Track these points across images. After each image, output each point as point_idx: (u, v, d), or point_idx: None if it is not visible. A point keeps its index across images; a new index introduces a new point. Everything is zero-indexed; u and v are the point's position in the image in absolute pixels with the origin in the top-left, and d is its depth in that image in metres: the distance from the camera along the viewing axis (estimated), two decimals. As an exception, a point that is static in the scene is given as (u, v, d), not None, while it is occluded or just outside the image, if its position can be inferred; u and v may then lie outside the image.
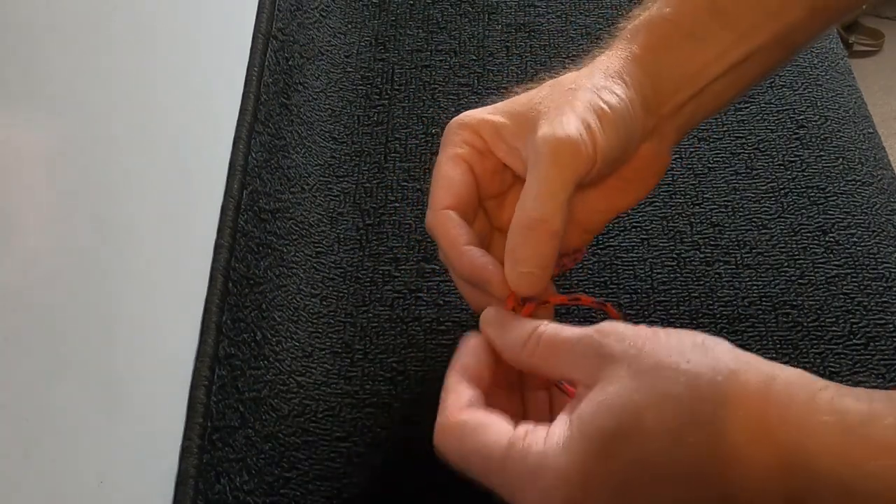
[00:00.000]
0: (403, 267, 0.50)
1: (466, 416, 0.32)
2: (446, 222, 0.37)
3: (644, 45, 0.37)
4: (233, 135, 0.48)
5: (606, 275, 0.49)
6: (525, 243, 0.33)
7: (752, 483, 0.27)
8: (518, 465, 0.29)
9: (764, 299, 0.48)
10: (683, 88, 0.37)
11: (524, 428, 0.30)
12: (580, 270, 0.49)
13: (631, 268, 0.49)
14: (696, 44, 0.36)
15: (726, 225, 0.51)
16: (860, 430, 0.25)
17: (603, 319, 0.31)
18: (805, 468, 0.26)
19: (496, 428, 0.30)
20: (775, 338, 0.47)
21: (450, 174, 0.37)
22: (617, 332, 0.30)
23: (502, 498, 0.30)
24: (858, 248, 0.50)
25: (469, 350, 0.35)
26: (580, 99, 0.35)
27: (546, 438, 0.29)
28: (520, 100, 0.37)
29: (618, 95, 0.35)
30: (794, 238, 0.50)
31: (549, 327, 0.32)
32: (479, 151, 0.38)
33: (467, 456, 0.31)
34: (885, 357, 0.46)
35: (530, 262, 0.34)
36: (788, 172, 0.53)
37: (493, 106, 0.38)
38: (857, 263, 0.49)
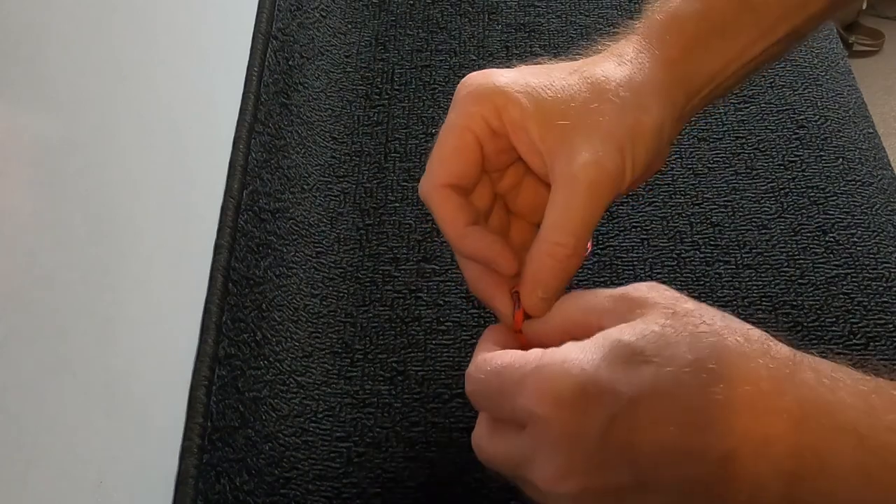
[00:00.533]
0: (403, 267, 0.50)
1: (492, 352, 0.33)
2: (446, 203, 0.35)
3: (678, 46, 0.35)
4: (233, 135, 0.48)
5: (606, 275, 0.49)
6: (551, 273, 0.33)
7: (758, 439, 0.27)
8: (536, 370, 0.29)
9: (764, 299, 0.48)
10: (707, 86, 0.37)
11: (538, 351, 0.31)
12: (580, 270, 0.49)
13: (631, 268, 0.49)
14: (724, 42, 0.36)
15: (726, 225, 0.51)
16: (887, 388, 0.26)
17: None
18: (823, 420, 0.26)
19: (517, 353, 0.31)
20: (775, 338, 0.47)
21: (457, 147, 0.35)
22: (656, 286, 0.31)
23: (518, 413, 0.30)
24: (858, 248, 0.50)
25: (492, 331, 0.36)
26: (623, 123, 0.33)
27: (566, 348, 0.29)
28: (554, 88, 0.34)
29: (655, 118, 0.34)
30: (794, 238, 0.50)
31: (585, 292, 0.33)
32: (493, 130, 0.35)
33: (489, 379, 0.31)
34: (885, 357, 0.46)
35: (550, 290, 0.34)
36: (788, 172, 0.53)
37: (521, 77, 0.35)
38: (857, 263, 0.49)
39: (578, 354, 0.28)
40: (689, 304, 0.30)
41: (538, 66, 0.36)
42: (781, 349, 0.29)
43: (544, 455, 0.29)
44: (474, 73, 0.35)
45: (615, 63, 0.35)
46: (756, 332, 0.29)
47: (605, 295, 0.31)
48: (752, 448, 0.27)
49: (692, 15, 0.36)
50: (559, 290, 0.34)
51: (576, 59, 0.37)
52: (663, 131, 0.35)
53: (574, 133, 0.33)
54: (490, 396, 0.31)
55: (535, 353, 0.30)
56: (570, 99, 0.34)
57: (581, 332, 0.30)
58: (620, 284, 0.48)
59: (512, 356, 0.31)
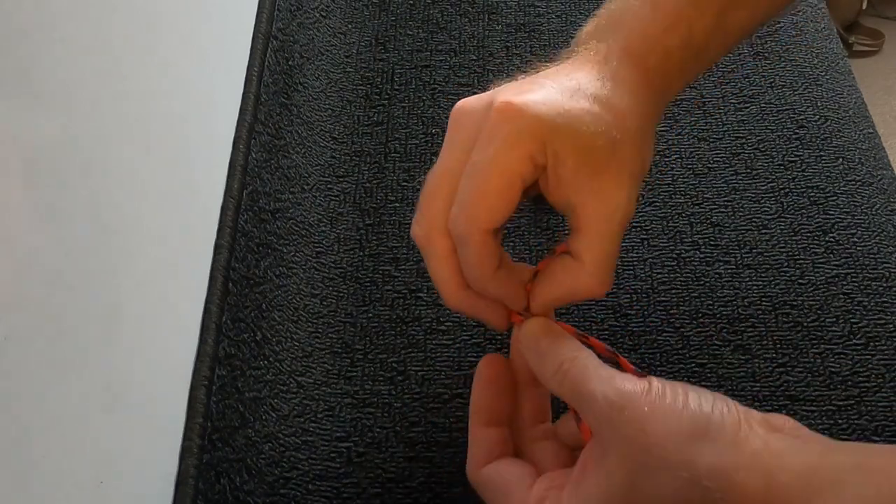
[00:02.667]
0: (403, 267, 0.50)
1: (488, 472, 0.34)
2: (484, 248, 0.33)
3: (659, 71, 0.35)
4: (233, 135, 0.48)
5: (606, 275, 0.49)
6: (571, 299, 0.35)
7: None
8: None
9: (764, 299, 0.48)
10: (678, 91, 0.37)
11: (542, 488, 0.32)
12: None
13: (631, 268, 0.49)
14: (696, 64, 0.36)
15: (726, 225, 0.51)
16: None
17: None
18: None
19: (514, 488, 0.32)
20: (775, 338, 0.47)
21: (503, 191, 0.32)
22: (627, 402, 0.29)
23: None
24: (858, 248, 0.50)
25: (482, 389, 0.36)
26: (635, 159, 0.33)
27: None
28: (583, 114, 0.32)
29: (652, 147, 0.35)
30: (794, 238, 0.50)
31: (576, 366, 0.32)
32: (537, 168, 0.32)
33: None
34: (885, 357, 0.46)
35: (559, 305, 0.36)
36: (788, 172, 0.53)
37: (554, 98, 0.32)
38: (857, 263, 0.49)
39: None
40: (652, 441, 0.28)
41: (560, 78, 0.34)
42: (748, 485, 0.27)
43: None
44: (509, 99, 0.32)
45: (622, 90, 0.34)
46: (719, 469, 0.27)
47: (585, 393, 0.31)
48: None
49: (678, 44, 0.35)
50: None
51: (560, 63, 0.36)
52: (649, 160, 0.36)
53: (605, 170, 0.32)
54: None
55: (534, 499, 0.31)
56: (600, 130, 0.32)
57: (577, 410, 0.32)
58: (620, 284, 0.48)
59: (511, 493, 0.32)
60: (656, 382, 0.30)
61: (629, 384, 0.30)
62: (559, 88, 0.33)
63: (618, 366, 0.33)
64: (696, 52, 0.36)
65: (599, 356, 0.33)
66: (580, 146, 0.31)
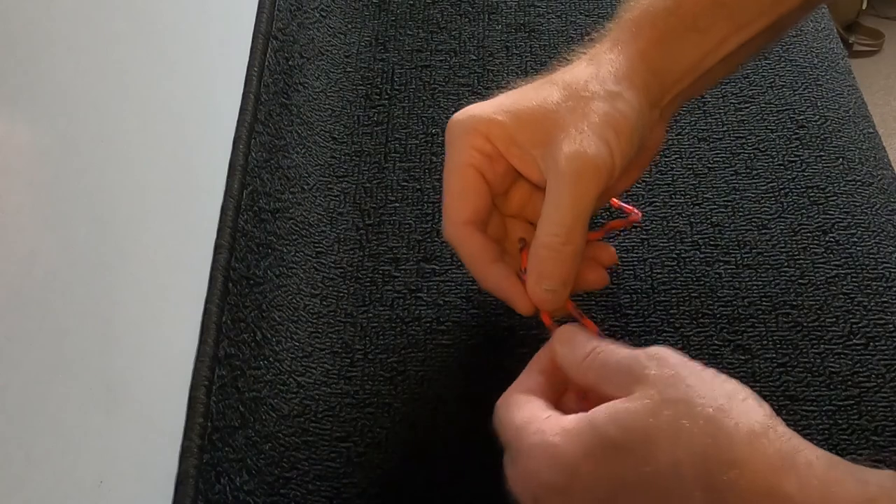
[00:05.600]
0: (403, 267, 0.50)
1: (517, 394, 0.34)
2: (469, 240, 0.37)
3: (649, 39, 0.37)
4: (233, 135, 0.48)
5: (606, 275, 0.49)
6: (549, 263, 0.35)
7: None
8: (526, 437, 0.31)
9: (764, 299, 0.48)
10: (684, 78, 0.37)
11: (550, 412, 0.32)
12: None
13: (631, 268, 0.49)
14: (698, 35, 0.36)
15: (726, 225, 0.51)
16: (882, 500, 0.25)
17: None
18: None
19: (530, 406, 0.32)
20: (775, 338, 0.47)
21: (464, 185, 0.37)
22: (661, 358, 0.30)
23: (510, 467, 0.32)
24: (858, 248, 0.50)
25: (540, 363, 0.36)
26: (597, 111, 0.34)
27: (559, 424, 0.30)
28: (530, 99, 0.36)
29: (630, 103, 0.35)
30: (794, 238, 0.50)
31: (608, 348, 0.32)
32: (489, 157, 0.37)
33: (502, 425, 0.33)
34: (885, 357, 0.46)
35: (554, 280, 0.35)
36: (788, 172, 0.53)
37: (497, 102, 0.37)
38: (857, 263, 0.49)
39: (566, 444, 0.29)
40: (686, 384, 0.29)
41: (511, 90, 0.38)
42: (770, 454, 0.27)
43: None
44: (456, 115, 0.37)
45: (585, 64, 0.37)
46: (744, 430, 0.27)
47: (614, 361, 0.32)
48: None
49: (662, 10, 0.37)
50: (564, 281, 0.35)
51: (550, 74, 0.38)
52: (641, 118, 0.36)
53: (556, 131, 0.34)
54: (501, 436, 0.34)
55: (537, 418, 0.31)
56: (546, 104, 0.35)
57: (596, 392, 0.32)
58: (620, 284, 0.48)
59: (521, 419, 0.32)
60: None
61: (666, 349, 0.31)
62: (509, 92, 0.37)
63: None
64: (688, 21, 0.36)
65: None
66: (524, 123, 0.35)
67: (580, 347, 0.33)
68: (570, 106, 0.35)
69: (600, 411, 0.29)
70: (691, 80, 0.37)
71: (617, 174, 0.35)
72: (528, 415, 0.32)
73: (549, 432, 0.30)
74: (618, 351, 0.32)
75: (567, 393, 0.36)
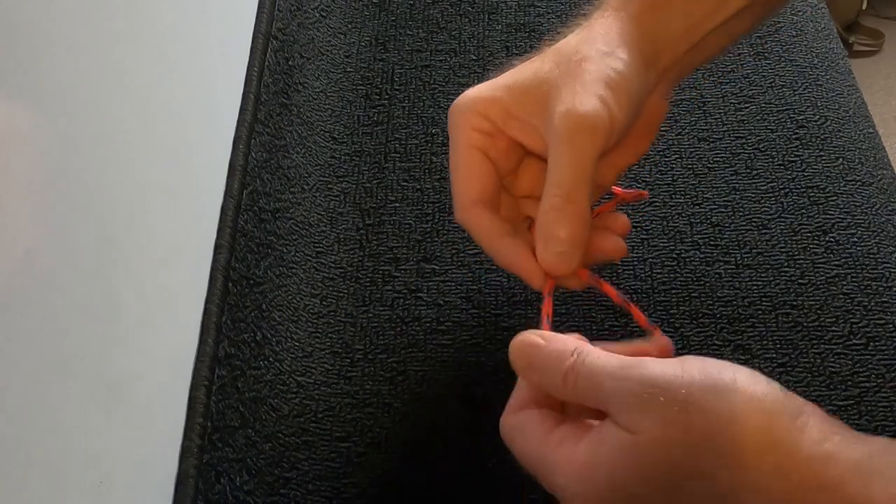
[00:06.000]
0: (403, 267, 0.50)
1: (516, 417, 0.32)
2: (479, 218, 0.37)
3: (641, 4, 0.37)
4: (233, 135, 0.48)
5: (606, 275, 0.49)
6: (555, 224, 0.34)
7: None
8: (542, 467, 0.30)
9: (764, 299, 0.48)
10: (681, 43, 0.37)
11: (560, 435, 0.30)
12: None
13: (631, 268, 0.49)
14: (690, 2, 0.37)
15: (726, 225, 0.51)
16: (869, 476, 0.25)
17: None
18: None
19: (535, 429, 0.31)
20: (775, 338, 0.47)
21: (469, 167, 0.37)
22: (660, 382, 0.28)
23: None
24: (858, 248, 0.50)
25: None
26: (589, 71, 0.34)
27: (571, 454, 0.29)
28: (523, 73, 0.37)
29: (623, 60, 0.35)
30: (794, 238, 0.50)
31: (586, 361, 0.30)
32: (490, 135, 0.37)
33: (521, 457, 0.32)
34: (885, 357, 0.46)
35: (563, 242, 0.34)
36: (788, 172, 0.53)
37: (493, 82, 0.37)
38: (857, 263, 0.49)
39: (576, 483, 0.28)
40: (687, 416, 0.27)
41: (507, 69, 0.38)
42: (778, 448, 0.26)
43: None
44: (455, 100, 0.38)
45: (576, 32, 0.37)
46: (754, 430, 0.26)
47: (607, 383, 0.29)
48: None
49: None
50: (573, 242, 0.34)
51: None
52: (637, 75, 0.35)
53: (550, 97, 0.35)
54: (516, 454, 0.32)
55: (549, 450, 0.30)
56: (539, 74, 0.36)
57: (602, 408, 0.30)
58: (620, 284, 0.48)
59: (531, 435, 0.31)
60: (689, 362, 0.29)
61: (657, 367, 0.28)
62: (501, 72, 0.37)
63: (630, 316, 0.34)
64: None
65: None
66: (519, 96, 0.36)
67: (552, 367, 0.31)
68: (562, 71, 0.35)
69: (605, 458, 0.28)
70: (686, 48, 0.37)
71: (617, 133, 0.34)
72: (533, 449, 0.30)
73: (566, 477, 0.29)
74: (600, 365, 0.30)
75: None
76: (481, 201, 0.37)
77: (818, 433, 0.26)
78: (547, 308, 0.35)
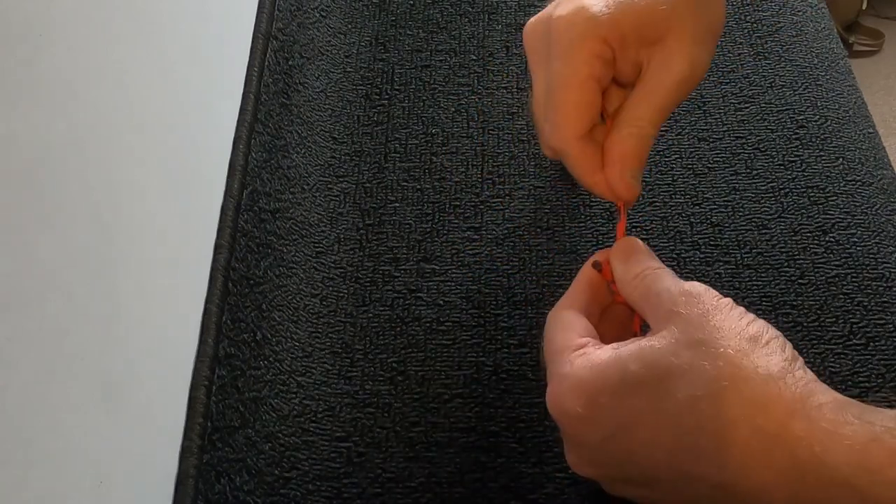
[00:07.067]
0: (403, 267, 0.50)
1: (562, 311, 0.36)
2: (584, 152, 0.36)
3: None
4: (233, 135, 0.48)
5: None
6: (633, 149, 0.35)
7: (753, 485, 0.27)
8: (559, 365, 0.33)
9: (764, 299, 0.48)
10: None
11: (586, 340, 0.33)
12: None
13: (631, 268, 0.49)
14: None
15: (726, 225, 0.51)
16: (886, 438, 0.25)
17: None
18: (818, 477, 0.26)
19: (570, 332, 0.34)
20: (775, 338, 0.47)
21: (584, 98, 0.34)
22: (693, 295, 0.31)
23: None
24: (858, 248, 0.50)
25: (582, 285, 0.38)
26: (700, 22, 0.34)
27: (589, 359, 0.32)
28: (634, 2, 0.34)
29: (720, 13, 0.36)
30: (794, 238, 0.50)
31: (655, 273, 0.34)
32: (608, 63, 0.35)
33: (546, 344, 0.35)
34: (885, 357, 0.46)
35: (636, 167, 0.36)
36: (788, 172, 0.53)
37: None
38: (857, 263, 0.49)
39: (590, 377, 0.31)
40: (711, 324, 0.30)
41: None
42: (785, 397, 0.27)
43: (564, 442, 0.35)
44: (563, 13, 0.34)
45: None
46: (762, 373, 0.28)
47: (654, 291, 0.33)
48: (749, 486, 0.27)
49: None
50: (641, 171, 0.36)
51: None
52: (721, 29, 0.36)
53: (668, 35, 0.34)
54: (546, 353, 0.35)
55: (572, 348, 0.33)
56: (650, 5, 0.34)
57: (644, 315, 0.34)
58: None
59: (560, 345, 0.34)
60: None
61: (701, 286, 0.32)
62: None
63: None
64: None
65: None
66: (638, 27, 0.34)
67: (634, 265, 0.35)
68: (681, 11, 0.34)
69: (627, 348, 0.31)
70: None
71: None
72: (566, 342, 0.33)
73: (579, 365, 0.32)
74: (662, 279, 0.33)
75: (611, 307, 0.37)
76: (585, 133, 0.36)
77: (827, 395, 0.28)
78: (623, 224, 0.39)
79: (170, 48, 0.43)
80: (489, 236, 0.51)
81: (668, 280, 0.33)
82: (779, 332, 0.30)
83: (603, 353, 0.32)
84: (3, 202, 0.28)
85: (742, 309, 0.31)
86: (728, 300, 0.31)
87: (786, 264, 0.49)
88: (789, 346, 0.30)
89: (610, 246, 0.38)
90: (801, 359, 0.29)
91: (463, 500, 0.42)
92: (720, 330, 0.29)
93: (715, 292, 0.31)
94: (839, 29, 1.72)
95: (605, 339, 0.34)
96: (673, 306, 0.31)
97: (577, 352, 0.33)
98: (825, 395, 0.28)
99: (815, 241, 0.50)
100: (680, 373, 0.29)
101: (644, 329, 0.35)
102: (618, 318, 0.37)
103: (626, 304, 0.36)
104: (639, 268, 0.35)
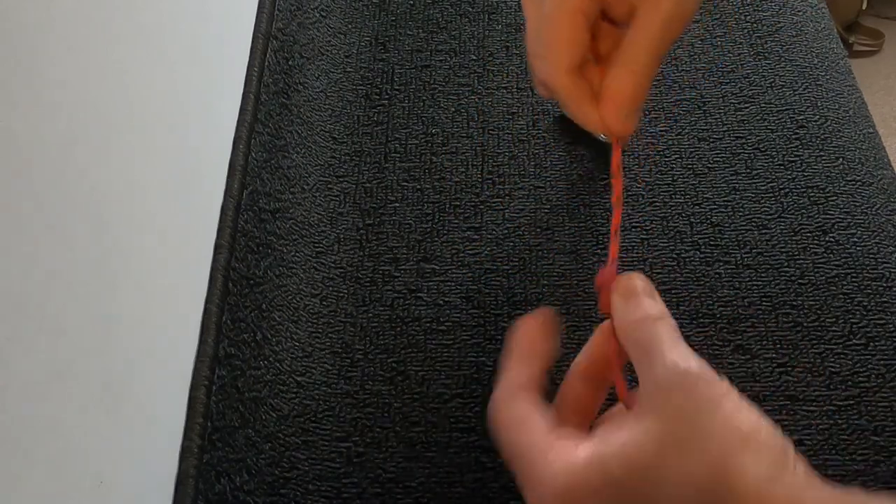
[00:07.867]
0: (403, 267, 0.50)
1: (512, 401, 0.33)
2: (576, 86, 0.36)
3: None
4: (233, 135, 0.48)
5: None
6: (630, 88, 0.35)
7: None
8: (533, 469, 0.31)
9: (764, 299, 0.48)
10: None
11: (552, 433, 0.31)
12: (580, 271, 0.49)
13: (631, 268, 0.49)
14: None
15: (726, 225, 0.51)
16: None
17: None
18: None
19: (530, 423, 0.32)
20: (775, 338, 0.47)
21: (574, 33, 0.35)
22: (688, 388, 0.29)
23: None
24: (858, 248, 0.50)
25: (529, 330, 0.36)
26: None
27: (566, 459, 0.30)
28: None
29: None
30: (794, 238, 0.50)
31: (654, 326, 0.32)
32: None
33: (504, 443, 0.33)
34: (885, 357, 0.46)
35: (632, 107, 0.35)
36: (788, 172, 0.53)
37: None
38: (857, 263, 0.49)
39: (576, 483, 0.29)
40: (702, 422, 0.28)
41: None
42: (777, 495, 0.27)
43: None
44: None
45: None
46: (751, 480, 0.27)
47: (648, 354, 0.31)
48: None
49: None
50: (636, 109, 0.36)
51: None
52: None
53: None
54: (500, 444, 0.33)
55: (542, 454, 0.31)
56: None
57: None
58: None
59: (527, 446, 0.31)
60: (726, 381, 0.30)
61: (704, 366, 0.30)
62: None
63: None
64: None
65: None
66: None
67: (633, 308, 0.33)
68: None
69: (609, 448, 0.29)
70: None
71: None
72: (532, 443, 0.31)
73: (558, 470, 0.30)
74: (659, 339, 0.31)
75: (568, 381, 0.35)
76: (576, 68, 0.36)
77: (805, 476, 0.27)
78: (617, 157, 0.37)
79: (170, 48, 0.43)
80: (489, 236, 0.51)
81: (665, 344, 0.31)
82: (774, 427, 0.29)
83: (581, 453, 0.30)
84: (3, 202, 0.28)
85: (737, 397, 0.29)
86: (724, 386, 0.30)
87: (786, 264, 0.49)
88: (786, 441, 0.29)
89: (608, 245, 0.38)
90: (795, 456, 0.28)
91: (463, 500, 0.42)
92: (711, 428, 0.28)
93: (711, 374, 0.30)
94: (839, 29, 1.72)
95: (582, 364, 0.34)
96: (665, 390, 0.30)
97: (549, 454, 0.30)
98: (818, 496, 0.27)
99: (815, 241, 0.50)
100: (666, 476, 0.28)
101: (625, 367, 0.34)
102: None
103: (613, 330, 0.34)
104: (638, 313, 0.33)
